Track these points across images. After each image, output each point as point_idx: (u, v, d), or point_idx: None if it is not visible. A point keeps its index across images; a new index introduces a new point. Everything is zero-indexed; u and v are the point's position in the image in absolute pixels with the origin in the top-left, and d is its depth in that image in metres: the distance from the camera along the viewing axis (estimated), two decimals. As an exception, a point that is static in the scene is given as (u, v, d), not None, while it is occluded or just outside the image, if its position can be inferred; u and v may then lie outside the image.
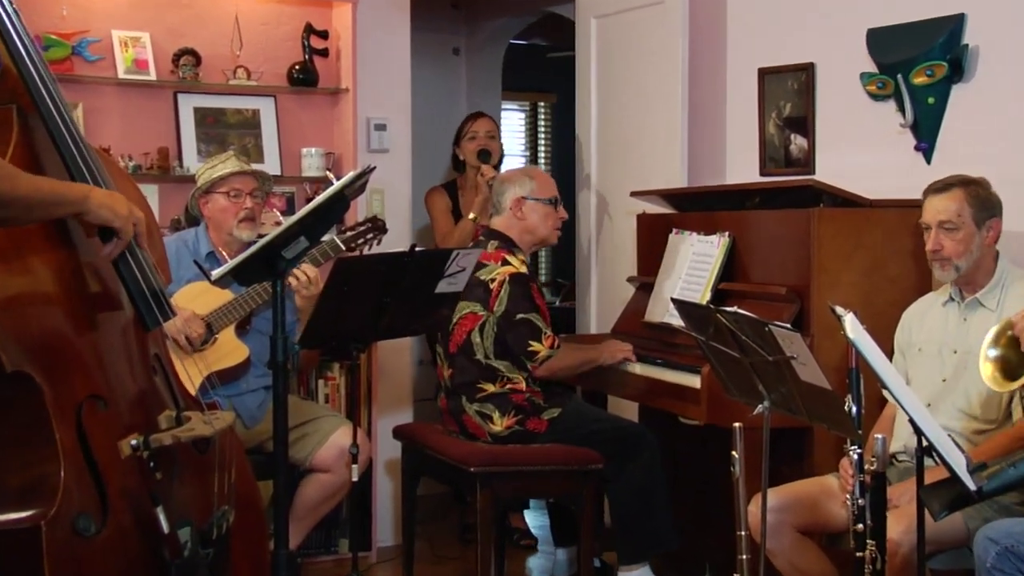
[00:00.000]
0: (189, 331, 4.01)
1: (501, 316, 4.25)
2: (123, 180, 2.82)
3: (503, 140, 5.87)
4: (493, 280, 4.29)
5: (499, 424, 4.25)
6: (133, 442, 2.48)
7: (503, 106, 8.53)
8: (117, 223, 2.47)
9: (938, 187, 3.51)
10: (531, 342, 4.24)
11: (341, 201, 3.04)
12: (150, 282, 2.64)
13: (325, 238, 4.15)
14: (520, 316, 4.25)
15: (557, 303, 8.23)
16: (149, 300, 2.65)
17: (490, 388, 4.27)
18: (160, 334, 2.82)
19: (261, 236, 3.09)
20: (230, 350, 4.16)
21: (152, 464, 2.51)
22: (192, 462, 2.73)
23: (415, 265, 3.49)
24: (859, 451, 2.94)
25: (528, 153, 10.07)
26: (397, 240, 5.05)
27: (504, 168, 5.64)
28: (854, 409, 2.89)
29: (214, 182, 4.32)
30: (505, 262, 4.33)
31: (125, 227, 2.49)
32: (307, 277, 4.14)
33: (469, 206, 5.49)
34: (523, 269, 4.34)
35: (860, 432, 2.89)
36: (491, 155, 5.50)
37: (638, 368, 4.38)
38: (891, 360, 3.44)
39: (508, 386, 4.27)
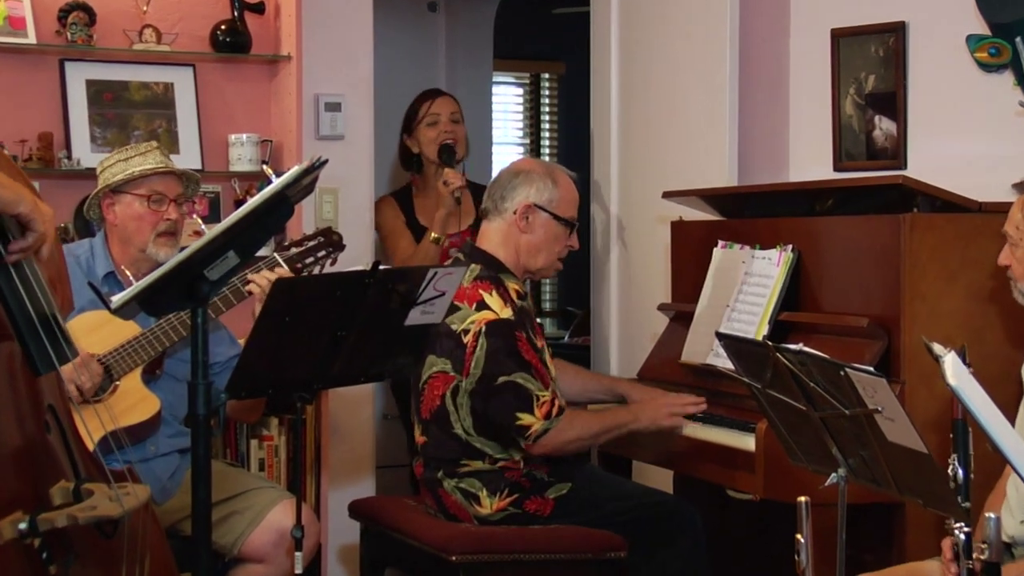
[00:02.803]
0: (80, 378, 4.01)
1: (478, 382, 4.18)
2: (11, 173, 2.82)
3: (494, 122, 5.89)
4: (467, 332, 4.22)
5: (488, 506, 4.24)
6: (22, 525, 2.46)
7: (495, 78, 8.55)
8: (23, 208, 2.47)
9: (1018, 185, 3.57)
10: (518, 414, 4.16)
11: (282, 205, 3.06)
12: (42, 310, 2.64)
13: (262, 253, 4.17)
14: (503, 379, 4.17)
15: (566, 339, 8.25)
16: (40, 334, 2.65)
17: (476, 465, 4.27)
18: (57, 380, 2.82)
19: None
20: (135, 402, 4.16)
21: (44, 554, 2.50)
22: (95, 550, 2.72)
23: (379, 289, 3.50)
24: (967, 529, 2.94)
25: (528, 141, 10.10)
26: (356, 256, 5.05)
27: (483, 166, 5.60)
28: (960, 472, 2.90)
29: (129, 180, 4.31)
30: (482, 305, 4.24)
31: (34, 214, 2.49)
32: (268, 282, 4.13)
33: (428, 215, 5.49)
34: (506, 313, 4.24)
35: (967, 504, 2.90)
36: (455, 153, 5.50)
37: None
38: (1016, 418, 3.44)
39: (500, 464, 4.27)
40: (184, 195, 4.40)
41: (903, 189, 4.10)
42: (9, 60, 5.04)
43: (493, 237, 4.43)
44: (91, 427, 3.70)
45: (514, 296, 4.31)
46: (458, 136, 5.55)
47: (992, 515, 2.87)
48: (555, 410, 4.19)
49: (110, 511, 2.59)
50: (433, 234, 5.33)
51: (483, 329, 4.20)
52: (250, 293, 4.17)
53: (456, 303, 4.19)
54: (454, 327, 4.23)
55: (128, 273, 4.29)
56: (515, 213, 4.39)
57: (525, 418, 4.16)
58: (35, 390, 2.71)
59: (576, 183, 4.50)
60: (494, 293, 4.27)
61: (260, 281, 4.13)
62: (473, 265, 4.34)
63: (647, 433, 4.39)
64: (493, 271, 4.34)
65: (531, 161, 4.63)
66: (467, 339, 4.21)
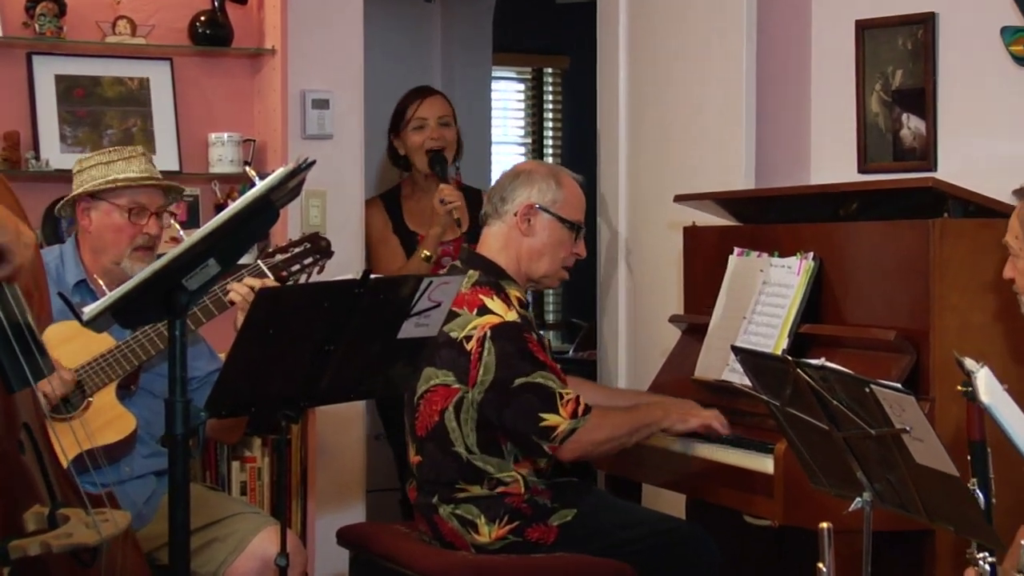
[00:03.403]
0: (48, 387, 4.00)
1: (489, 389, 4.17)
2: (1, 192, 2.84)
3: (493, 120, 5.88)
4: (469, 338, 4.21)
5: (487, 534, 4.23)
6: (-13, 552, 2.48)
7: (495, 73, 8.56)
8: (3, 239, 2.48)
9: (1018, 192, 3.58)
10: (541, 415, 4.15)
11: (266, 209, 3.06)
12: (16, 322, 2.64)
13: (245, 260, 4.16)
14: (520, 381, 4.16)
15: (571, 353, 8.25)
16: (15, 349, 2.65)
17: (475, 490, 4.26)
18: (33, 397, 2.81)
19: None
20: (109, 419, 4.16)
21: (14, 585, 2.51)
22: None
23: (370, 299, 3.51)
24: (991, 559, 2.94)
25: (530, 140, 10.10)
26: (345, 263, 5.05)
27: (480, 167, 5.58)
28: (981, 498, 2.91)
29: (110, 187, 4.29)
30: (484, 309, 4.23)
31: (12, 246, 2.50)
32: (250, 290, 4.12)
33: (418, 219, 5.50)
34: (511, 316, 4.23)
35: (991, 526, 2.90)
36: (447, 162, 5.51)
37: (688, 447, 4.38)
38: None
39: (499, 489, 4.26)
40: (164, 206, 4.39)
41: (933, 192, 4.10)
42: (-28, 54, 5.05)
43: (493, 242, 4.42)
44: (64, 445, 3.72)
45: (516, 303, 4.31)
46: (447, 140, 5.55)
47: (1027, 542, 2.88)
48: (581, 408, 4.17)
49: (87, 539, 2.59)
50: (425, 252, 5.33)
51: (488, 333, 4.19)
52: (231, 303, 4.17)
53: (455, 309, 4.17)
54: (454, 335, 4.21)
55: (101, 282, 4.28)
56: (515, 215, 4.38)
57: (550, 418, 4.14)
58: (8, 407, 2.72)
59: (583, 187, 4.50)
60: (495, 298, 4.26)
61: (241, 290, 4.12)
62: (471, 271, 4.33)
63: (641, 445, 4.40)
64: (493, 277, 4.34)
65: (533, 162, 4.65)
66: (470, 345, 4.20)
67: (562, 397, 4.17)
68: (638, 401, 4.67)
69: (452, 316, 4.17)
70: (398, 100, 5.67)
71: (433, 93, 5.72)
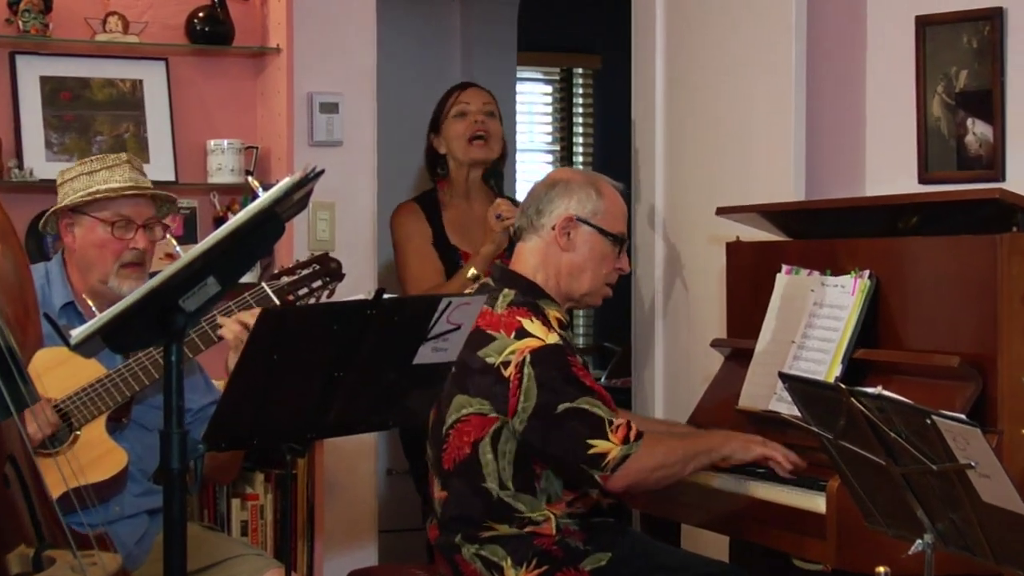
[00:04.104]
0: (33, 425, 4.01)
1: (532, 416, 4.14)
2: None
3: (519, 125, 5.86)
4: (507, 364, 4.18)
5: (513, 578, 4.24)
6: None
7: (519, 74, 8.58)
8: None
9: None
10: (590, 441, 4.11)
11: (270, 223, 3.07)
12: None
13: (246, 280, 4.17)
14: (564, 407, 4.14)
15: (603, 380, 8.25)
16: None
17: (502, 529, 4.26)
18: (16, 429, 2.82)
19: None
20: (99, 455, 4.16)
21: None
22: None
23: (383, 321, 3.52)
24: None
25: (558, 147, 10.11)
26: (356, 282, 5.06)
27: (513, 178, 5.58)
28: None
29: (91, 199, 4.30)
30: (522, 332, 4.20)
31: None
32: (243, 327, 4.11)
33: (460, 232, 5.49)
34: (553, 339, 4.20)
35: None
36: (502, 176, 5.47)
37: (731, 483, 4.38)
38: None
39: (529, 528, 4.25)
40: (155, 217, 4.37)
41: (1000, 204, 4.09)
42: (-49, 54, 5.08)
43: (529, 259, 4.39)
44: (48, 483, 3.72)
45: (555, 325, 4.29)
46: (490, 132, 5.52)
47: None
48: (633, 434, 4.14)
49: None
50: (473, 270, 5.20)
51: (527, 358, 4.15)
52: (220, 338, 4.15)
53: (490, 332, 4.18)
54: (491, 360, 4.18)
55: (90, 303, 4.28)
56: (554, 229, 4.35)
57: (600, 444, 4.11)
58: (-5, 441, 2.73)
59: (623, 195, 4.49)
60: (534, 319, 4.23)
61: (233, 327, 4.08)
62: (506, 290, 4.32)
63: (681, 482, 4.38)
64: (530, 297, 4.31)
65: (569, 170, 4.64)
66: (508, 372, 4.16)
67: (611, 423, 4.14)
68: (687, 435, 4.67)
69: (487, 340, 4.18)
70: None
71: (476, 85, 5.71)
